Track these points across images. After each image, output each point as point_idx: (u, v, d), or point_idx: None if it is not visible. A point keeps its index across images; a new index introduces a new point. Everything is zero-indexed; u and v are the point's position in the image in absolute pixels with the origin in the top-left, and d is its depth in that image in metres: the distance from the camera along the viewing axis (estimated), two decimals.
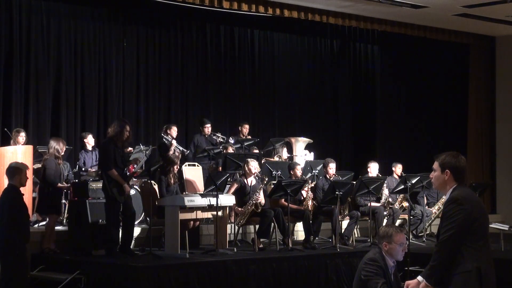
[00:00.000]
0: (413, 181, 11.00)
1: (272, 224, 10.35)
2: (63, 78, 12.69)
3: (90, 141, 11.60)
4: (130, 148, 11.03)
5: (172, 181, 9.98)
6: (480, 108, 16.95)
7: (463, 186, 4.79)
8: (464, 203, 4.64)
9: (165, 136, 12.28)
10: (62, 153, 9.82)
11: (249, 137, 13.29)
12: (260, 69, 15.40)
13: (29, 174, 8.81)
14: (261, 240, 10.42)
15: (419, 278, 4.83)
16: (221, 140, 12.79)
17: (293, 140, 13.27)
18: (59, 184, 9.75)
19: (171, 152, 11.62)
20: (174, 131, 12.52)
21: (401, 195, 11.78)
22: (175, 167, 10.11)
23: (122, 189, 9.16)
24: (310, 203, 10.75)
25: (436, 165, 4.83)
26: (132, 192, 10.28)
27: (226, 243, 9.99)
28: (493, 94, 17.11)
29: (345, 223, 11.43)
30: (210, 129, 12.95)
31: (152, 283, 8.25)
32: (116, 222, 9.20)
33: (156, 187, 10.19)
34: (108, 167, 9.13)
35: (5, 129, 11.17)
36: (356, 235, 11.88)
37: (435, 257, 4.70)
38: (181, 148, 12.43)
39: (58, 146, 9.71)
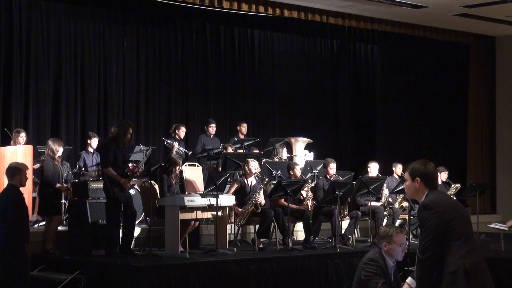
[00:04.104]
0: None
1: (272, 224, 10.34)
2: (63, 78, 12.68)
3: (93, 143, 11.59)
4: None
5: (174, 181, 9.98)
6: (480, 108, 16.95)
7: (434, 191, 4.79)
8: (434, 206, 4.63)
9: (166, 140, 12.31)
10: (59, 154, 9.79)
11: (243, 137, 13.26)
12: (260, 69, 15.39)
13: (29, 174, 8.81)
14: (261, 240, 10.41)
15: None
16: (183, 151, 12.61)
17: (293, 140, 13.26)
18: (58, 185, 9.74)
19: (173, 153, 11.62)
20: (182, 131, 12.51)
21: (401, 195, 11.77)
22: (177, 167, 10.10)
23: (123, 188, 9.16)
24: (310, 203, 10.74)
25: (406, 175, 4.87)
26: (132, 192, 10.27)
27: (226, 243, 9.99)
28: (493, 94, 17.12)
29: (345, 223, 11.43)
30: (214, 129, 12.92)
31: (152, 283, 8.25)
32: (116, 222, 9.19)
33: (156, 187, 10.19)
34: (104, 165, 9.14)
35: (5, 129, 11.16)
36: (356, 235, 11.88)
37: (419, 268, 4.66)
38: (183, 150, 12.42)
39: (53, 147, 9.68)
